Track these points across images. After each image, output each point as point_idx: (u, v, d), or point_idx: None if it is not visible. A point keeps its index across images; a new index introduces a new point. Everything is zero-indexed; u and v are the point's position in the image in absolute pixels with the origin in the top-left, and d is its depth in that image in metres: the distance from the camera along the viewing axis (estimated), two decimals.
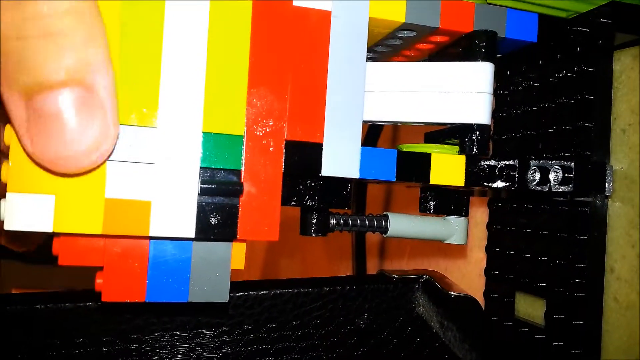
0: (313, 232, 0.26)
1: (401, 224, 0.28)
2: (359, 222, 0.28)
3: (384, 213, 0.28)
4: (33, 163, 0.19)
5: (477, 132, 0.25)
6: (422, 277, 0.32)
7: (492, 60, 0.25)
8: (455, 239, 0.29)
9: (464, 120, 0.25)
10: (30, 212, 0.19)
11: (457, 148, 0.26)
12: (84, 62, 0.17)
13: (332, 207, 0.25)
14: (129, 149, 0.20)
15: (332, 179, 0.23)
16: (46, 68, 0.17)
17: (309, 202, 0.24)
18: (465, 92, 0.24)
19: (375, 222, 0.28)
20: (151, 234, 0.20)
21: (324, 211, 0.26)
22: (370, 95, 0.25)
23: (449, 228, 0.29)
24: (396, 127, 0.53)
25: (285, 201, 0.23)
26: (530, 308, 0.32)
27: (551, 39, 0.28)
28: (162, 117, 0.20)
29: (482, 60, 0.24)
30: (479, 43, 0.24)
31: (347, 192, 0.24)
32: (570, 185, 0.27)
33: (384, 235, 0.28)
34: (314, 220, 0.26)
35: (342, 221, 0.27)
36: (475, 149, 0.25)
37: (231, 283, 0.22)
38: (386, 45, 0.27)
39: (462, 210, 0.30)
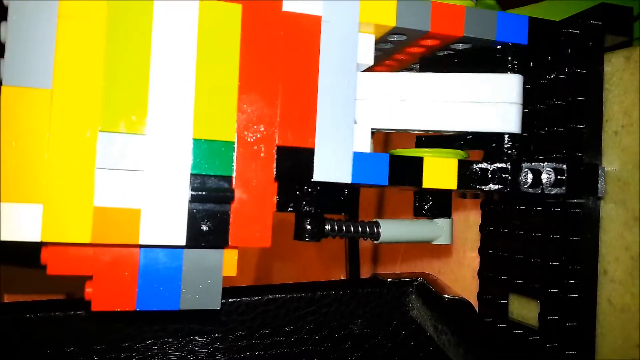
0: (307, 238, 0.26)
1: (392, 230, 0.28)
2: (352, 228, 0.28)
3: (374, 220, 0.28)
4: (20, 172, 0.19)
5: (509, 140, 0.27)
6: (416, 280, 0.32)
7: (521, 72, 0.26)
8: (442, 239, 0.30)
9: (497, 129, 0.26)
10: (17, 221, 0.19)
11: (450, 151, 0.26)
12: None
13: (329, 213, 0.25)
14: (118, 157, 0.20)
15: (328, 185, 0.23)
16: None
17: (306, 208, 0.24)
18: (497, 102, 0.26)
19: (368, 229, 0.28)
20: (141, 242, 0.20)
21: (319, 217, 0.26)
22: (405, 105, 0.26)
23: (435, 229, 0.30)
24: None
25: (281, 207, 0.23)
26: (524, 310, 0.32)
27: (542, 41, 0.28)
28: (152, 124, 0.20)
29: (511, 72, 0.26)
30: (507, 56, 0.26)
31: (345, 198, 0.24)
32: (563, 187, 0.27)
33: (376, 242, 0.28)
34: (309, 226, 0.26)
35: (336, 227, 0.27)
36: (505, 156, 0.26)
37: (223, 289, 0.22)
38: (377, 49, 0.27)
39: (448, 211, 0.30)
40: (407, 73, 0.26)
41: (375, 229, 0.28)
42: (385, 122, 0.26)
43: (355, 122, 0.24)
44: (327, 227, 0.27)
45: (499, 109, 0.26)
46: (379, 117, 0.26)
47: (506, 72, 0.26)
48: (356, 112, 0.25)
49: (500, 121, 0.26)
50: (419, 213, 0.30)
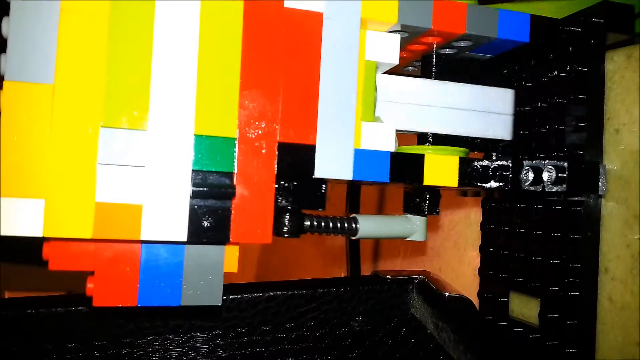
0: (286, 234, 0.26)
1: (369, 226, 0.28)
2: (330, 224, 0.27)
3: (352, 216, 0.28)
4: (21, 167, 0.19)
5: (502, 146, 0.30)
6: (417, 278, 0.32)
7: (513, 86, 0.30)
8: (417, 236, 0.30)
9: (493, 136, 0.29)
10: (19, 216, 0.19)
11: (450, 149, 0.26)
12: None
13: (305, 208, 0.24)
14: (120, 152, 0.20)
15: (304, 180, 0.23)
16: None
17: (282, 203, 0.24)
18: (494, 112, 0.29)
19: (346, 225, 0.28)
20: (143, 238, 0.20)
21: (298, 212, 0.26)
22: (419, 109, 0.27)
23: (411, 226, 0.30)
24: None
25: None
26: (525, 308, 0.32)
27: (543, 39, 0.28)
28: (153, 119, 0.20)
29: (506, 87, 0.29)
30: (504, 70, 0.29)
31: (322, 193, 0.24)
32: (564, 185, 0.27)
33: (353, 238, 0.28)
34: (287, 222, 0.26)
35: (315, 223, 0.27)
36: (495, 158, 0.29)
37: (224, 286, 0.22)
38: None
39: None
40: (422, 79, 0.28)
41: (353, 225, 0.28)
42: (403, 123, 0.27)
43: (382, 122, 0.25)
44: (307, 222, 0.27)
45: (496, 118, 0.29)
46: (400, 118, 0.27)
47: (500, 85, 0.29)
48: (383, 112, 0.27)
49: (495, 129, 0.29)
50: (418, 211, 0.30)
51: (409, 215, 0.30)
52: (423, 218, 0.30)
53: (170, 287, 0.21)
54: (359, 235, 0.28)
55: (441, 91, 0.28)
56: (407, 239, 0.30)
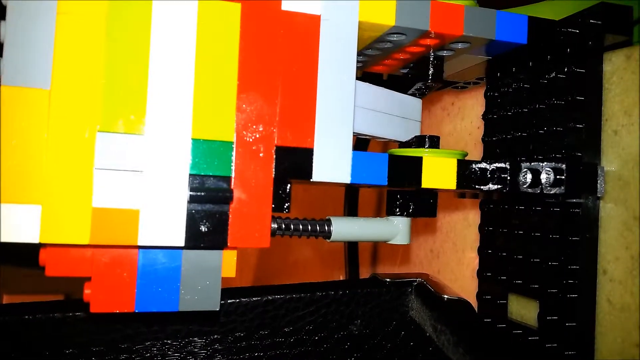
0: None
1: (344, 228, 0.28)
2: (301, 226, 0.27)
3: (327, 218, 0.28)
4: (19, 172, 0.18)
5: None
6: (415, 281, 0.32)
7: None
8: (399, 238, 0.29)
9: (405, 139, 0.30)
10: (16, 222, 0.19)
11: (449, 151, 0.26)
12: None
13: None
14: (117, 157, 0.20)
15: None
16: None
17: None
18: (406, 118, 0.30)
19: (318, 227, 0.27)
20: (140, 243, 0.20)
21: None
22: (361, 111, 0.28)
23: (392, 228, 0.29)
24: None
25: None
26: (524, 310, 0.32)
27: (541, 40, 0.28)
28: (150, 123, 0.20)
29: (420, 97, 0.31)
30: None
31: (286, 194, 0.24)
32: (562, 187, 0.27)
33: (328, 240, 0.28)
34: None
35: (283, 225, 0.26)
36: None
37: (222, 290, 0.22)
38: (376, 49, 0.27)
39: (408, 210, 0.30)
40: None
41: (326, 227, 0.27)
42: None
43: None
44: (274, 225, 0.26)
45: (407, 123, 0.30)
46: None
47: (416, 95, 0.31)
48: None
49: (406, 133, 0.30)
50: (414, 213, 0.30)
51: (390, 217, 0.29)
52: (407, 220, 0.29)
53: (168, 292, 0.21)
54: (333, 238, 0.27)
55: (369, 93, 0.28)
56: (389, 242, 0.29)
